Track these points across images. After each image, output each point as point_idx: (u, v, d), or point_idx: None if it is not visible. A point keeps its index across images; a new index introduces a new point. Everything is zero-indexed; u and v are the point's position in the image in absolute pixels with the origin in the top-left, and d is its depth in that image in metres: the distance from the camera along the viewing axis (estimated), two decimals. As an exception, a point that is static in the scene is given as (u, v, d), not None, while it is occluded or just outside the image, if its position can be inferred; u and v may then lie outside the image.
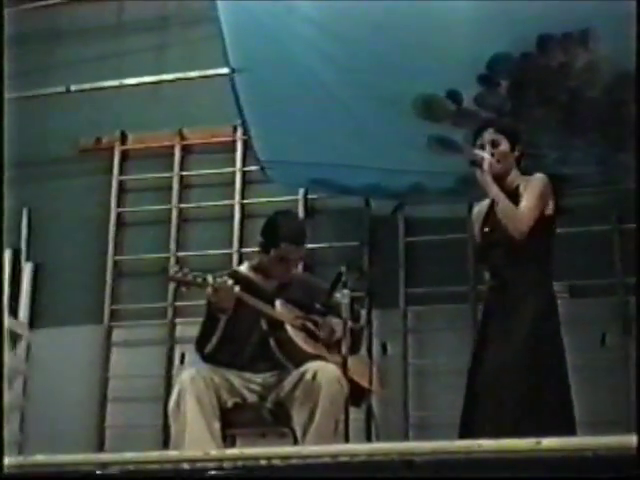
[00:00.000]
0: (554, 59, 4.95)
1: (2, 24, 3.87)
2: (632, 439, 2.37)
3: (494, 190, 4.30)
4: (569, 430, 3.92)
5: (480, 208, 4.57)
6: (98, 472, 2.54)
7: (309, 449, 2.84)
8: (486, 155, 4.32)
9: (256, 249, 4.77)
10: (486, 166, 4.31)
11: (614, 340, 5.77)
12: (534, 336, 4.19)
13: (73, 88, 6.85)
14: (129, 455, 2.68)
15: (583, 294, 5.81)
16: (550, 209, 4.36)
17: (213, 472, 2.56)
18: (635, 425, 2.75)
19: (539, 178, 4.36)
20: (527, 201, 4.28)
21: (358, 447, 2.70)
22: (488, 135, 4.40)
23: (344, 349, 4.24)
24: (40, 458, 2.75)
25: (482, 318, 4.47)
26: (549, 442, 2.44)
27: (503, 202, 4.28)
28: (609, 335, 5.78)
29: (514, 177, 4.39)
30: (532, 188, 4.32)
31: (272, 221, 4.62)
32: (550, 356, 4.20)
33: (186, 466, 2.63)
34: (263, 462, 2.57)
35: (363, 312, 4.86)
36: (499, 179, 4.33)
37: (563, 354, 4.23)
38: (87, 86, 6.87)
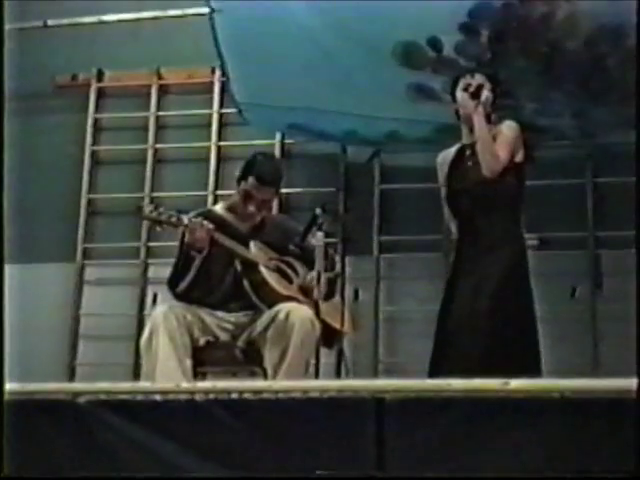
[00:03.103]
0: (535, 9, 4.93)
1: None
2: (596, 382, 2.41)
3: (483, 121, 4.35)
4: (535, 375, 3.97)
5: (445, 156, 4.62)
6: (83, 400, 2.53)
7: (280, 384, 2.87)
8: (485, 91, 4.40)
9: (232, 191, 4.76)
10: (484, 97, 4.38)
11: (584, 293, 5.81)
12: (504, 284, 4.25)
13: (50, 23, 6.76)
14: (101, 385, 2.70)
15: (555, 247, 5.84)
16: (520, 156, 4.42)
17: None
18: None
19: (509, 125, 4.45)
20: (500, 143, 4.35)
21: (329, 383, 2.74)
22: (478, 78, 4.46)
23: (317, 293, 4.27)
24: (13, 386, 2.76)
25: (452, 265, 4.52)
26: (517, 383, 2.48)
27: (486, 136, 4.34)
28: (579, 288, 5.83)
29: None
30: (503, 133, 4.41)
31: (250, 158, 4.63)
32: (519, 303, 4.26)
33: (158, 397, 2.64)
34: (234, 395, 2.59)
35: (337, 258, 4.88)
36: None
37: (532, 302, 4.29)
38: (65, 21, 6.77)
